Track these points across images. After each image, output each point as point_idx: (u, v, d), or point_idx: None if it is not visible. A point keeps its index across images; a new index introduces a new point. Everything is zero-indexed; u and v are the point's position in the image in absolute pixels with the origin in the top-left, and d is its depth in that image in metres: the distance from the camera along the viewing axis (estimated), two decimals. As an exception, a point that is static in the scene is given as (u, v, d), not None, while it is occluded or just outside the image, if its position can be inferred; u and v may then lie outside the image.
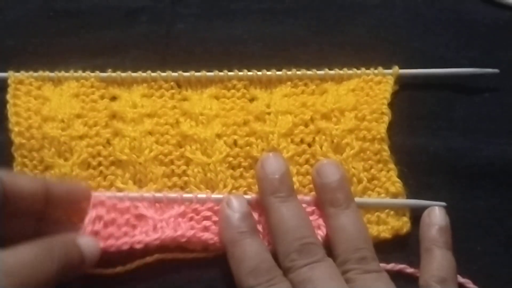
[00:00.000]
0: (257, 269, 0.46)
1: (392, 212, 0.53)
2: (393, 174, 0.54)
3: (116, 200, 0.50)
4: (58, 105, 0.56)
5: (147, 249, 0.50)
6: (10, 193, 0.43)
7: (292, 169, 0.54)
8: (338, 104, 0.57)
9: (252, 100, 0.58)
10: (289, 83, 0.59)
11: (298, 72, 0.58)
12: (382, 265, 0.49)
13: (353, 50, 0.62)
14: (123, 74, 0.58)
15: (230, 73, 0.58)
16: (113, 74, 0.58)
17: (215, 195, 0.52)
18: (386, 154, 0.55)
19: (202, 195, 0.52)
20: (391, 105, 0.57)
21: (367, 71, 0.58)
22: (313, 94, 0.58)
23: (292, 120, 0.56)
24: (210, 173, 0.54)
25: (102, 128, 0.55)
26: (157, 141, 0.55)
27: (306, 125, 0.56)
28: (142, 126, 0.55)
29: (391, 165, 0.55)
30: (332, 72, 0.59)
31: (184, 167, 0.55)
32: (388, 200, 0.54)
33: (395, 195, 0.54)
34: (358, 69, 0.59)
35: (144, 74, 0.58)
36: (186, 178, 0.54)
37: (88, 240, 0.47)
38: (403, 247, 0.53)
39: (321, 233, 0.50)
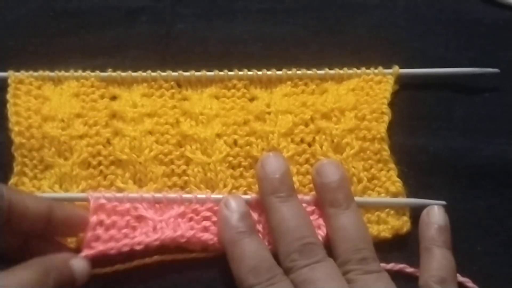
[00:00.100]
0: (257, 268, 0.46)
1: (392, 212, 0.53)
2: (393, 173, 0.54)
3: (116, 202, 0.50)
4: (58, 105, 0.56)
5: (147, 250, 0.50)
6: (15, 213, 0.44)
7: (292, 168, 0.54)
8: (338, 103, 0.57)
9: (252, 99, 0.58)
10: (289, 82, 0.59)
11: (298, 72, 0.58)
12: (382, 265, 0.49)
13: (353, 50, 0.62)
14: (123, 74, 0.58)
15: (230, 73, 0.58)
16: (113, 74, 0.58)
17: (214, 196, 0.52)
18: (386, 153, 0.55)
19: (201, 196, 0.52)
20: (391, 105, 0.57)
21: (367, 71, 0.58)
22: (313, 93, 0.58)
23: (292, 120, 0.56)
24: (210, 172, 0.54)
25: (102, 128, 0.55)
26: (157, 141, 0.55)
27: (306, 125, 0.56)
28: (142, 125, 0.55)
29: (391, 165, 0.55)
30: (332, 71, 0.59)
31: (184, 167, 0.55)
32: (388, 199, 0.54)
33: (395, 195, 0.54)
34: (358, 68, 0.59)
35: (144, 74, 0.58)
36: (186, 178, 0.54)
37: (79, 261, 0.47)
38: (403, 246, 0.52)
39: (321, 233, 0.50)
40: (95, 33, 0.63)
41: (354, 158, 0.55)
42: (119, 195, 0.51)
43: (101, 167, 0.54)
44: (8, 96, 0.56)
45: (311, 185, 0.53)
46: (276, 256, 0.48)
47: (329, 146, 0.55)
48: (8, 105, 0.55)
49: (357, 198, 0.52)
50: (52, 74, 0.58)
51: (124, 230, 0.49)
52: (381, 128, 0.56)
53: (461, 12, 0.65)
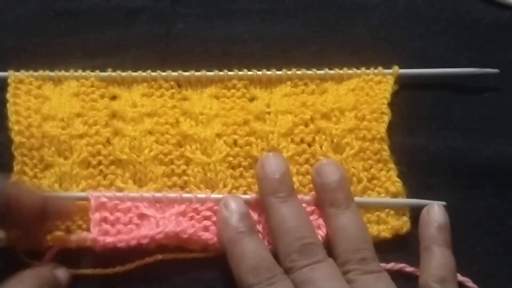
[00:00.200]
0: (257, 267, 0.46)
1: (392, 212, 0.53)
2: (393, 173, 0.54)
3: (117, 201, 0.51)
4: (58, 104, 0.56)
5: (147, 250, 0.50)
6: (12, 206, 0.45)
7: (292, 168, 0.54)
8: (338, 103, 0.57)
9: (252, 99, 0.58)
10: (289, 82, 0.59)
11: (298, 72, 0.58)
12: (382, 264, 0.49)
13: (353, 50, 0.62)
14: (123, 74, 0.58)
15: (230, 73, 0.58)
16: (113, 74, 0.58)
17: (214, 195, 0.52)
18: (386, 153, 0.55)
19: (201, 195, 0.52)
20: (391, 105, 0.57)
21: (367, 71, 0.58)
22: (313, 93, 0.58)
23: (292, 120, 0.56)
24: (210, 172, 0.54)
25: (102, 127, 0.55)
26: (157, 141, 0.55)
27: (306, 125, 0.56)
28: (142, 125, 0.55)
29: (391, 165, 0.55)
30: (332, 72, 0.59)
31: (184, 167, 0.55)
32: (388, 199, 0.54)
33: (395, 195, 0.54)
34: (358, 69, 0.59)
35: (144, 74, 0.58)
36: (186, 178, 0.54)
37: (62, 271, 0.49)
38: (403, 246, 0.52)
39: (321, 233, 0.50)
40: (95, 33, 0.63)
41: (354, 158, 0.55)
42: (119, 194, 0.51)
43: (101, 167, 0.54)
44: (8, 96, 0.56)
45: (311, 185, 0.53)
46: (276, 256, 0.48)
47: (329, 146, 0.55)
48: (8, 105, 0.55)
49: (357, 198, 0.52)
50: (52, 74, 0.58)
51: (129, 226, 0.50)
52: (381, 128, 0.56)
53: (461, 12, 0.65)
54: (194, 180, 0.54)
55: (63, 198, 0.51)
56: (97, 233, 0.49)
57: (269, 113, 0.57)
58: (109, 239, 0.49)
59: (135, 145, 0.54)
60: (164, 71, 0.58)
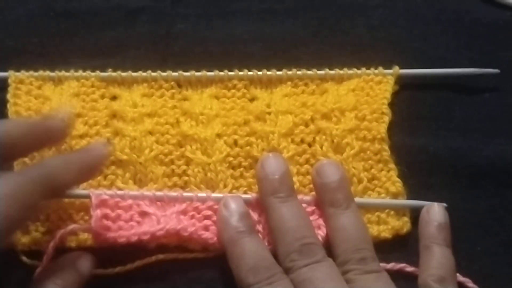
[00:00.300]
0: (256, 267, 0.46)
1: (392, 212, 0.53)
2: (393, 174, 0.55)
3: (118, 198, 0.51)
4: (59, 105, 0.56)
5: (148, 250, 0.50)
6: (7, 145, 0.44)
7: (292, 169, 0.54)
8: (338, 104, 0.57)
9: (252, 100, 0.58)
10: (289, 83, 0.59)
11: (299, 72, 0.58)
12: (382, 264, 0.49)
13: (353, 50, 0.62)
14: (124, 74, 0.58)
15: (230, 73, 0.58)
16: (114, 74, 0.58)
17: (215, 194, 0.52)
18: (386, 154, 0.55)
19: (202, 194, 0.52)
20: (391, 105, 0.57)
21: (367, 71, 0.58)
22: (313, 94, 0.58)
23: (293, 120, 0.56)
24: (210, 173, 0.54)
25: (102, 128, 0.55)
26: (157, 141, 0.55)
27: (307, 125, 0.56)
28: (143, 125, 0.55)
29: (391, 165, 0.55)
30: (332, 72, 0.59)
31: (184, 167, 0.55)
32: (388, 200, 0.54)
33: (395, 195, 0.54)
34: (358, 69, 0.59)
35: (144, 74, 0.58)
36: (186, 178, 0.54)
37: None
38: (403, 247, 0.53)
39: (321, 233, 0.50)
40: (95, 33, 0.63)
41: (354, 159, 0.55)
42: (120, 192, 0.51)
43: (101, 167, 0.54)
44: (8, 96, 0.56)
45: (311, 186, 0.53)
46: (275, 256, 0.48)
47: (329, 146, 0.55)
48: (8, 105, 0.55)
49: (357, 199, 0.52)
50: (52, 74, 0.58)
51: (130, 223, 0.50)
52: (381, 129, 0.56)
53: (461, 12, 0.65)
54: (194, 180, 0.54)
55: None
56: (98, 228, 0.49)
57: (269, 113, 0.57)
58: (110, 234, 0.49)
59: (136, 145, 0.54)
60: (164, 71, 0.58)
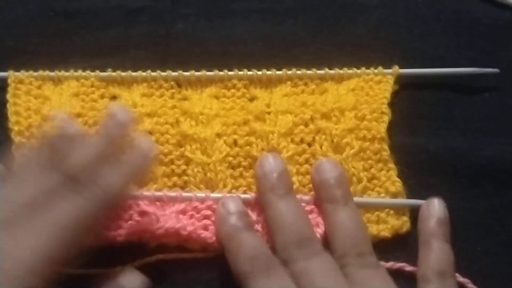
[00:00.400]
0: (254, 258, 0.46)
1: (392, 212, 0.53)
2: (393, 173, 0.54)
3: None
4: (58, 105, 0.56)
5: (147, 250, 0.50)
6: None
7: (292, 168, 0.54)
8: (338, 103, 0.57)
9: (252, 99, 0.58)
10: (289, 82, 0.59)
11: (298, 72, 0.58)
12: (381, 263, 0.49)
13: (353, 50, 0.62)
14: (123, 74, 0.58)
15: (230, 73, 0.58)
16: (113, 74, 0.58)
17: (214, 194, 0.52)
18: (386, 153, 0.55)
19: (201, 194, 0.52)
20: (391, 104, 0.57)
21: (367, 71, 0.58)
22: (313, 93, 0.58)
23: (292, 120, 0.56)
24: (210, 172, 0.54)
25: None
26: (157, 141, 0.55)
27: (306, 125, 0.56)
28: (142, 125, 0.55)
29: (391, 165, 0.55)
30: (332, 71, 0.59)
31: (184, 167, 0.55)
32: (388, 200, 0.54)
33: (395, 195, 0.54)
34: (358, 68, 0.59)
35: (144, 74, 0.58)
36: (186, 178, 0.54)
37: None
38: (403, 246, 0.52)
39: (319, 230, 0.50)
40: (95, 33, 0.63)
41: (354, 158, 0.55)
42: None
43: (101, 167, 0.54)
44: (8, 96, 0.56)
45: (311, 185, 0.53)
46: (273, 252, 0.48)
47: (329, 146, 0.55)
48: (8, 105, 0.55)
49: (356, 198, 0.52)
50: (52, 74, 0.58)
51: (130, 222, 0.50)
52: (381, 128, 0.56)
53: (461, 12, 0.65)
54: (194, 180, 0.54)
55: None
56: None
57: (269, 113, 0.57)
58: (109, 234, 0.49)
59: (135, 145, 0.54)
60: (164, 71, 0.58)
